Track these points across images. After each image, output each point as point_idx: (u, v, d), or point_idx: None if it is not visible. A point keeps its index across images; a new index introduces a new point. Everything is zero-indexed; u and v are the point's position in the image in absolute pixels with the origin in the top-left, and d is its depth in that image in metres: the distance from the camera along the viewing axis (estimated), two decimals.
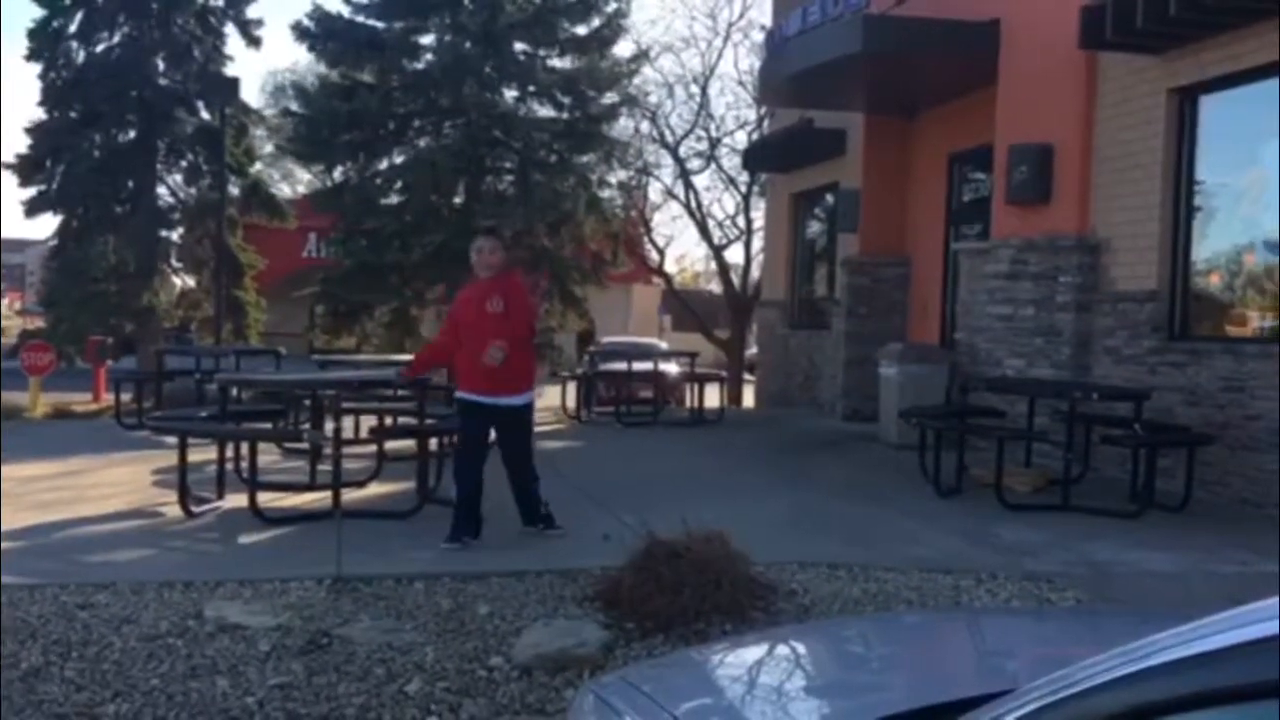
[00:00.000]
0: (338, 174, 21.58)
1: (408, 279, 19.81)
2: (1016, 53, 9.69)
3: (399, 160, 20.52)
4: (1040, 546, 6.42)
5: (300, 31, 19.17)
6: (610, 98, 20.74)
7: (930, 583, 5.48)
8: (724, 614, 4.68)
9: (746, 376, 23.19)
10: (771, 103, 17.17)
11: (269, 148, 31.95)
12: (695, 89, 26.36)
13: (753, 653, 2.81)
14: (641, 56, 21.80)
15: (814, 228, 16.19)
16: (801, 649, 2.78)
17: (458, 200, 20.01)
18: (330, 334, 24.38)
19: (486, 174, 20.06)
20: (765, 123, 22.61)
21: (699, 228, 26.87)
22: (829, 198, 14.82)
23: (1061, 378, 8.83)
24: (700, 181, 27.68)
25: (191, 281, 26.81)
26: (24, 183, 23.05)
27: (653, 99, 25.58)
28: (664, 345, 24.99)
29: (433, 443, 7.55)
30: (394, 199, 20.27)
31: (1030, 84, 9.48)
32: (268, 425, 8.26)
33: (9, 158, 23.40)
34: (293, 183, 39.26)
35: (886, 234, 12.78)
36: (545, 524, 6.55)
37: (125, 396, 12.71)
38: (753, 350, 22.91)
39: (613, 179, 22.17)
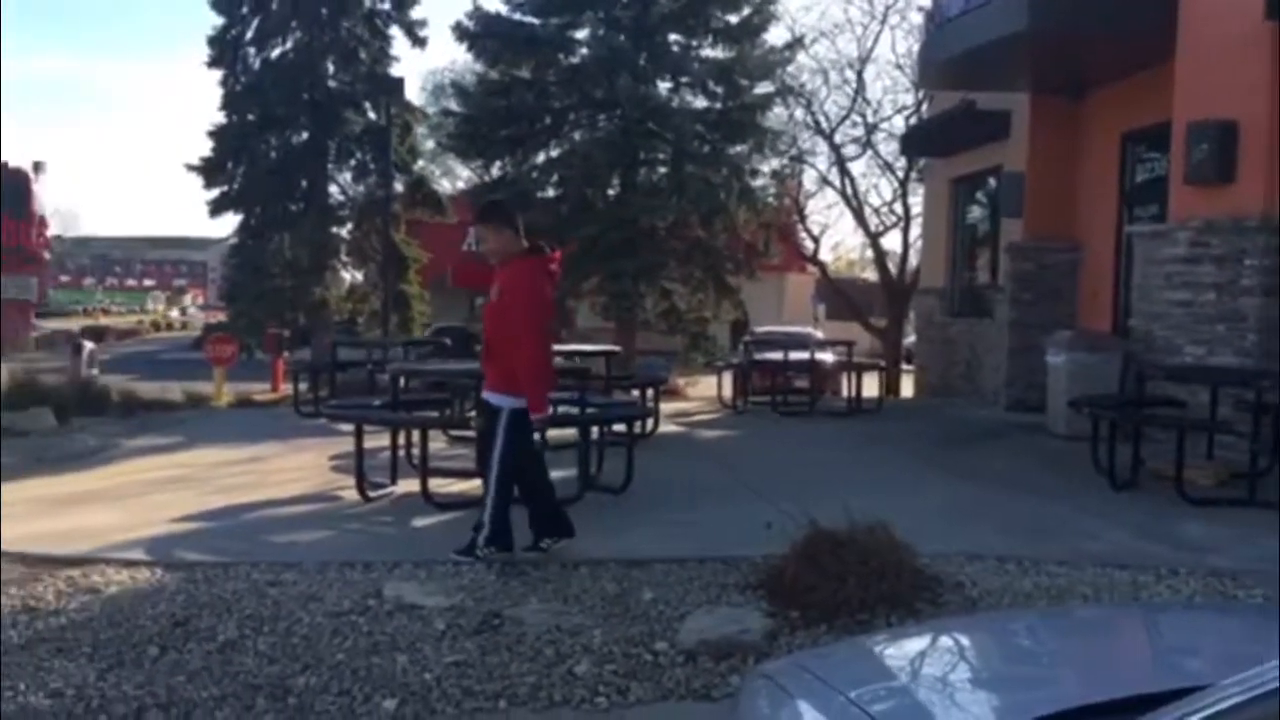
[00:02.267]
0: (495, 169, 22.05)
1: (563, 271, 20.10)
2: (1196, 25, 9.21)
3: (554, 154, 20.84)
4: (1224, 542, 6.12)
5: (460, 31, 19.67)
6: (764, 86, 20.59)
7: (1106, 578, 5.29)
8: (889, 605, 4.63)
9: (904, 366, 22.76)
10: (931, 86, 16.77)
11: (430, 145, 32.89)
12: (851, 74, 25.92)
13: (925, 642, 2.79)
14: (795, 43, 21.56)
15: (975, 213, 15.76)
16: (974, 640, 2.74)
17: (612, 192, 20.22)
18: None
19: (640, 166, 20.19)
20: (924, 106, 22.10)
21: (855, 215, 26.41)
22: (991, 181, 14.40)
23: (1246, 365, 8.38)
24: (856, 168, 27.07)
25: (359, 276, 27.92)
26: (208, 184, 24.40)
27: (807, 86, 25.28)
28: (819, 334, 24.73)
29: (594, 431, 7.67)
30: (550, 193, 20.61)
31: (1211, 58, 8.99)
32: (436, 413, 8.55)
33: (195, 161, 24.75)
34: (452, 179, 40.31)
35: (1053, 218, 12.35)
36: (468, 551, 5.60)
37: (302, 386, 13.33)
38: (910, 339, 22.45)
39: (766, 168, 22.03)
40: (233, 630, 4.54)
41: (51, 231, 38.17)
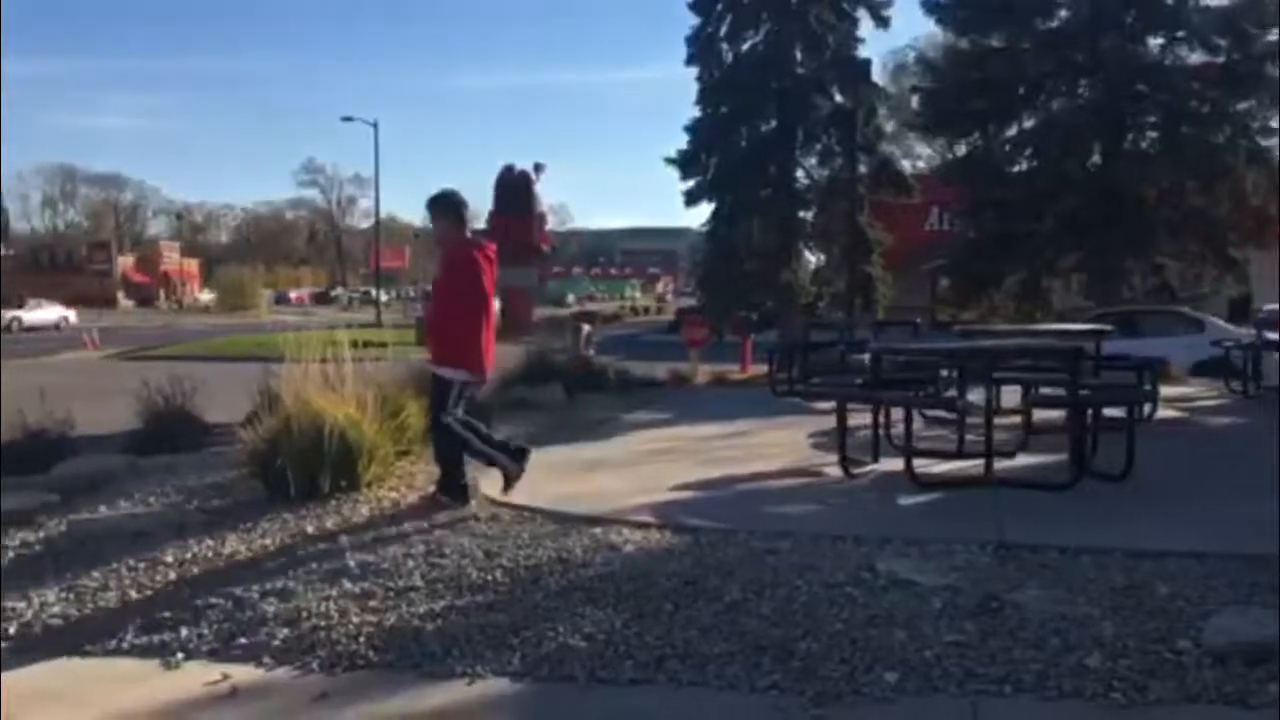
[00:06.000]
0: (962, 146, 21.46)
1: (1038, 248, 19.15)
2: None
3: (1028, 125, 19.89)
4: None
5: (930, 4, 19.33)
6: (1276, 33, 18.26)
7: None
8: None
9: None
10: None
11: (890, 125, 32.66)
12: None
13: None
14: None
15: None
16: None
17: (1093, 162, 18.92)
18: (954, 306, 24.35)
19: (1126, 131, 18.72)
20: None
21: None
22: None
23: None
24: None
25: (823, 258, 28.37)
26: (684, 176, 25.95)
27: None
28: None
29: (1087, 415, 7.24)
30: (1023, 166, 19.71)
31: None
32: (913, 393, 8.47)
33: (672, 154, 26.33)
34: (912, 158, 39.80)
35: None
36: (449, 496, 6.57)
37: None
38: None
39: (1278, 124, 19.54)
40: (737, 593, 4.78)
41: (547, 226, 42.39)
